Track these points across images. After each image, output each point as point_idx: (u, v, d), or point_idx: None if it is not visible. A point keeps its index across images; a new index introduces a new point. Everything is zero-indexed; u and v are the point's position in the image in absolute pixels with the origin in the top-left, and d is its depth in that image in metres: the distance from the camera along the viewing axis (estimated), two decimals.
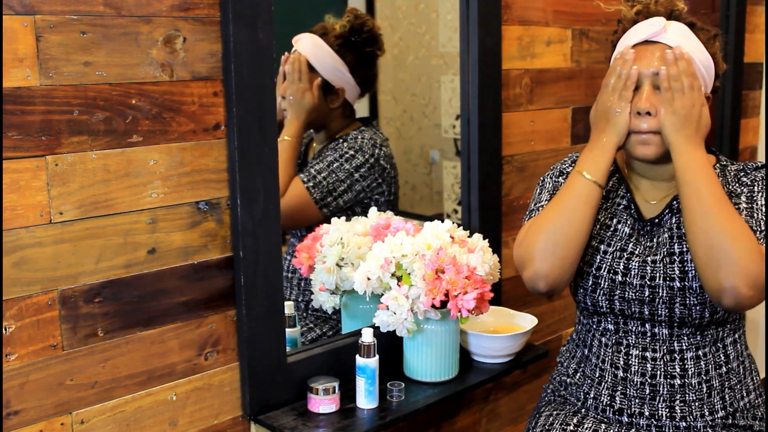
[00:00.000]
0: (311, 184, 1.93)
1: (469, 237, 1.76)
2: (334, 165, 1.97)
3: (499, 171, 2.10)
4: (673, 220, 1.53)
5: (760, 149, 3.26)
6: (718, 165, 1.59)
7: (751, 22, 3.03)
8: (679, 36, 1.50)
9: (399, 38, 2.66)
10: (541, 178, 1.68)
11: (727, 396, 1.54)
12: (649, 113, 1.46)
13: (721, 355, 1.54)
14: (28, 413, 1.34)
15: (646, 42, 1.51)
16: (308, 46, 2.02)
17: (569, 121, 2.32)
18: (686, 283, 1.48)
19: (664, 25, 1.50)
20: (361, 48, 2.05)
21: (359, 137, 2.02)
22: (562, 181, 1.63)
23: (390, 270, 1.67)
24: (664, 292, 1.49)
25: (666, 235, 1.53)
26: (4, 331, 1.30)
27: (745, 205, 1.48)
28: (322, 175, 1.95)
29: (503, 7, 2.04)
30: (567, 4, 2.24)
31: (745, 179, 1.53)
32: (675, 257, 1.50)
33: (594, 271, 1.55)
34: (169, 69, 1.42)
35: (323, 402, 1.63)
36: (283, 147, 1.93)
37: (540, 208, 1.60)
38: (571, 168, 1.65)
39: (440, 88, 2.59)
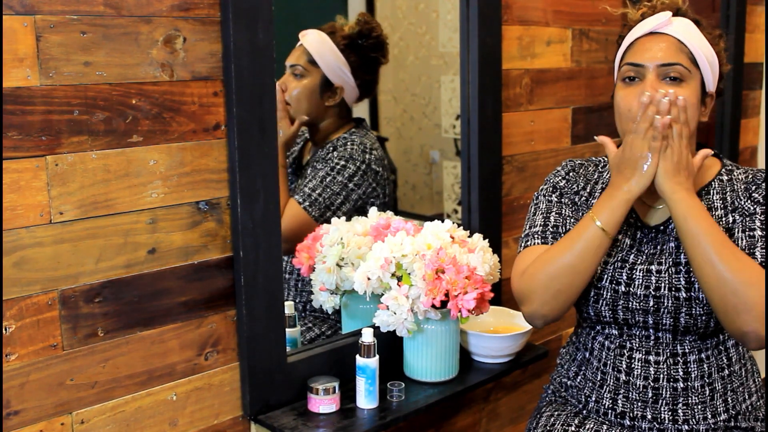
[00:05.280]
0: (307, 203, 1.93)
1: (469, 237, 1.76)
2: (327, 179, 1.97)
3: (499, 171, 2.10)
4: None
5: (760, 149, 3.26)
6: (724, 170, 1.57)
7: (751, 22, 3.03)
8: (684, 29, 1.50)
9: (399, 38, 2.66)
10: (535, 195, 1.66)
11: (729, 398, 1.53)
12: None
13: (724, 358, 1.54)
14: (28, 413, 1.34)
15: (651, 34, 1.50)
16: (314, 41, 2.03)
17: (569, 121, 2.32)
18: (692, 294, 1.47)
19: (670, 17, 1.50)
20: (366, 51, 2.07)
21: (348, 143, 2.02)
22: (555, 199, 1.62)
23: (390, 270, 1.67)
24: (670, 302, 1.48)
25: (672, 244, 1.51)
26: (4, 331, 1.30)
27: (760, 233, 1.45)
28: (317, 192, 1.95)
29: (503, 7, 2.04)
30: (567, 4, 2.24)
31: (756, 195, 1.50)
32: (681, 267, 1.48)
33: (595, 282, 1.53)
34: (169, 69, 1.42)
35: (323, 402, 1.63)
36: None
37: (535, 234, 1.58)
38: (564, 181, 1.64)
39: (440, 88, 2.59)
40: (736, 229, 1.48)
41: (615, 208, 1.46)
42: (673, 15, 1.53)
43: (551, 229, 1.58)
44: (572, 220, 1.59)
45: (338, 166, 1.98)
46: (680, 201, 1.41)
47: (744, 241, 1.46)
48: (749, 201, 1.50)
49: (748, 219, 1.48)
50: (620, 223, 1.47)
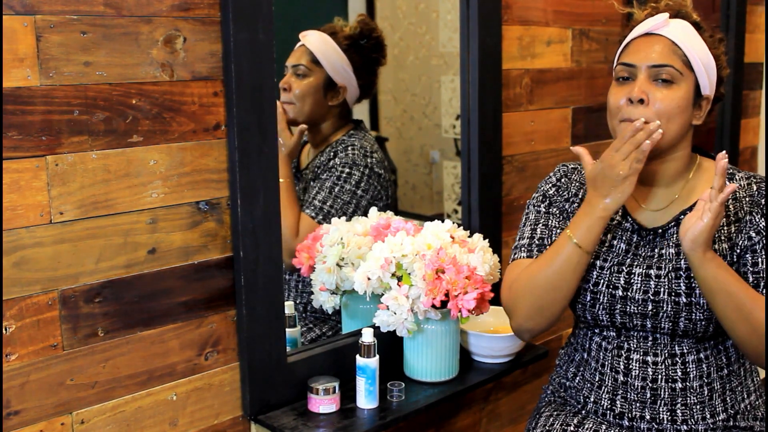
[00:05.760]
0: (321, 216, 1.94)
1: (469, 237, 1.76)
2: (336, 189, 1.97)
3: (499, 171, 2.10)
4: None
5: (760, 149, 3.26)
6: None
7: (751, 22, 3.03)
8: (680, 31, 1.49)
9: (399, 38, 2.66)
10: (528, 202, 1.66)
11: (728, 398, 1.53)
12: (641, 101, 1.45)
13: (723, 358, 1.54)
14: (28, 413, 1.34)
15: (646, 35, 1.51)
16: (316, 41, 2.04)
17: (569, 121, 2.32)
18: (693, 299, 1.46)
19: (666, 18, 1.50)
20: (367, 52, 2.08)
21: (349, 147, 2.02)
22: (543, 209, 1.62)
23: (390, 270, 1.67)
24: (669, 307, 1.48)
25: (672, 250, 1.51)
26: (4, 331, 1.30)
27: None
28: (328, 204, 1.95)
29: (503, 7, 2.04)
30: (567, 4, 2.24)
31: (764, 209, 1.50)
32: (681, 272, 1.48)
33: (591, 287, 1.53)
34: (170, 69, 1.42)
35: (323, 402, 1.63)
36: (281, 188, 1.91)
37: (522, 248, 1.60)
38: (554, 189, 1.64)
39: (440, 88, 2.59)
40: (760, 259, 1.47)
41: (592, 226, 1.46)
42: (674, 17, 1.52)
43: (537, 242, 1.59)
44: (559, 231, 1.59)
45: (344, 174, 1.98)
46: (710, 260, 1.40)
47: None
48: (757, 215, 1.49)
49: (757, 235, 1.48)
50: (597, 240, 1.48)
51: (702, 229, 1.36)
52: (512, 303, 1.55)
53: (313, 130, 2.11)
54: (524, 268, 1.55)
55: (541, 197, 1.64)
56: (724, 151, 1.38)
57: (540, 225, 1.61)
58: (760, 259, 1.47)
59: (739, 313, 1.40)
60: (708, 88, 1.51)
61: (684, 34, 1.49)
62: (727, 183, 1.41)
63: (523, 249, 1.60)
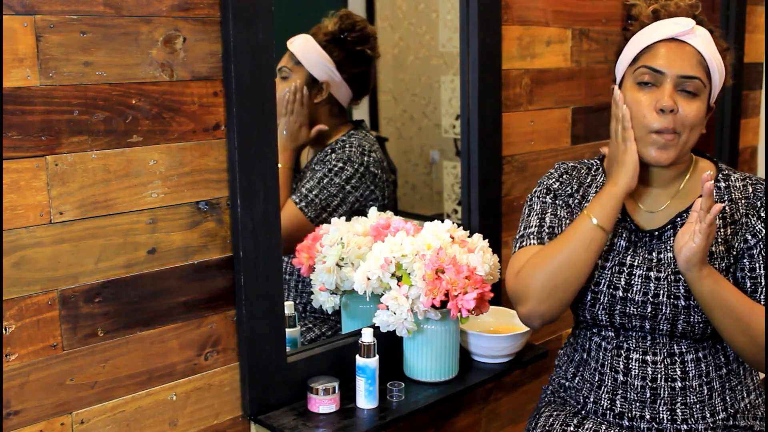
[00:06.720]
0: (303, 204, 1.94)
1: (469, 237, 1.76)
2: (324, 181, 1.97)
3: (499, 171, 2.10)
4: None
5: (760, 149, 3.26)
6: (720, 176, 1.56)
7: (751, 22, 3.03)
8: (705, 41, 1.48)
9: (399, 38, 2.66)
10: (529, 197, 1.66)
11: (727, 397, 1.53)
12: (672, 110, 1.44)
13: (721, 357, 1.54)
14: (28, 413, 1.34)
15: (672, 40, 1.49)
16: (299, 43, 2.05)
17: (569, 121, 2.32)
18: (691, 303, 1.47)
19: (693, 26, 1.48)
20: (350, 46, 2.07)
21: (347, 145, 2.03)
22: (549, 200, 1.62)
23: (390, 270, 1.67)
24: (668, 309, 1.48)
25: (670, 254, 1.51)
26: (4, 331, 1.30)
27: None
28: (314, 192, 1.96)
29: (503, 7, 2.04)
30: (567, 4, 2.24)
31: (763, 213, 1.50)
32: (680, 276, 1.48)
33: (593, 287, 1.53)
34: (169, 69, 1.42)
35: (323, 402, 1.63)
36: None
37: (530, 235, 1.58)
38: (558, 183, 1.64)
39: (440, 88, 2.59)
40: (757, 265, 1.48)
41: (605, 202, 1.48)
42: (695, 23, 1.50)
43: (547, 230, 1.58)
44: (567, 222, 1.59)
45: (336, 168, 1.99)
46: (706, 276, 1.40)
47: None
48: (756, 218, 1.49)
49: (754, 238, 1.48)
50: (614, 218, 1.48)
51: (695, 250, 1.37)
52: (522, 287, 1.51)
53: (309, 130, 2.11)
54: (535, 252, 1.53)
55: (545, 190, 1.64)
56: (709, 172, 1.37)
57: (548, 214, 1.60)
58: (757, 264, 1.47)
59: (738, 325, 1.40)
60: (715, 98, 1.52)
61: (707, 45, 1.48)
62: (716, 200, 1.43)
63: (532, 236, 1.58)
